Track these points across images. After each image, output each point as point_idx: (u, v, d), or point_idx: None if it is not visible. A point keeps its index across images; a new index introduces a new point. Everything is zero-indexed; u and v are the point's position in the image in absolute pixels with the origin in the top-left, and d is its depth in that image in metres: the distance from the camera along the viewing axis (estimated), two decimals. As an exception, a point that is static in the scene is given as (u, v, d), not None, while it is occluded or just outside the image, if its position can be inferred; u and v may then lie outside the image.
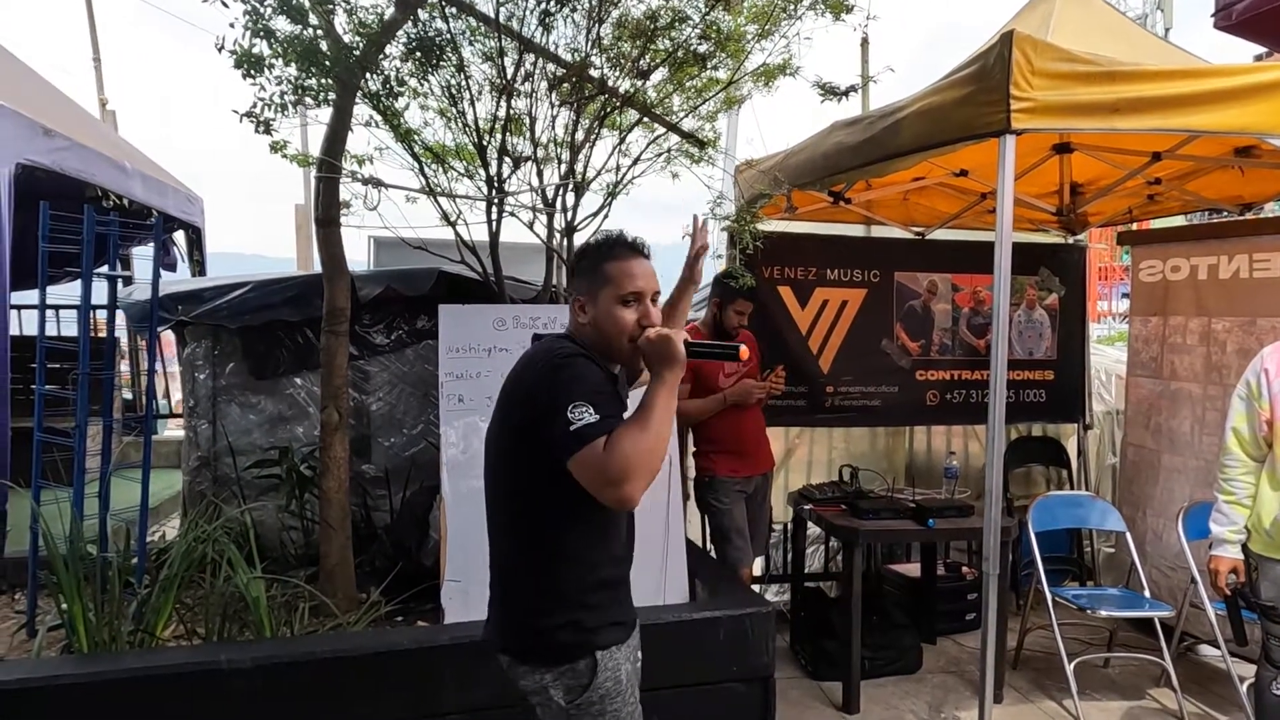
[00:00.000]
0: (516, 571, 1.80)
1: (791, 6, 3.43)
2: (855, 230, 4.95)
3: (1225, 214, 4.82)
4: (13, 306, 4.15)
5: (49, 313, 3.80)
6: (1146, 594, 3.88)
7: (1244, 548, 2.78)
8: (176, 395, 7.10)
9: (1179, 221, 5.93)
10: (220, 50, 2.94)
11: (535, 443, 1.61)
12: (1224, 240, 4.16)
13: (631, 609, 1.86)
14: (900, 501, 3.83)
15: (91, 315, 3.58)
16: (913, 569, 4.62)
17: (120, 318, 4.36)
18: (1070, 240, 5.11)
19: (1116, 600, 3.83)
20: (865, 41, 6.04)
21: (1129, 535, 4.02)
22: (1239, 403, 2.78)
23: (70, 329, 6.06)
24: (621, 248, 1.73)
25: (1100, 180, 4.51)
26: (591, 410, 1.54)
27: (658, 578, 3.33)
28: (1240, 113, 2.78)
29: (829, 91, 3.39)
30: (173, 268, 6.75)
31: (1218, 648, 3.56)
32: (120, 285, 4.07)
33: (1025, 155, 4.02)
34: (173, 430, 7.17)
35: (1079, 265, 5.13)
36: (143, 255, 6.54)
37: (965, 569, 4.68)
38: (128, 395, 6.79)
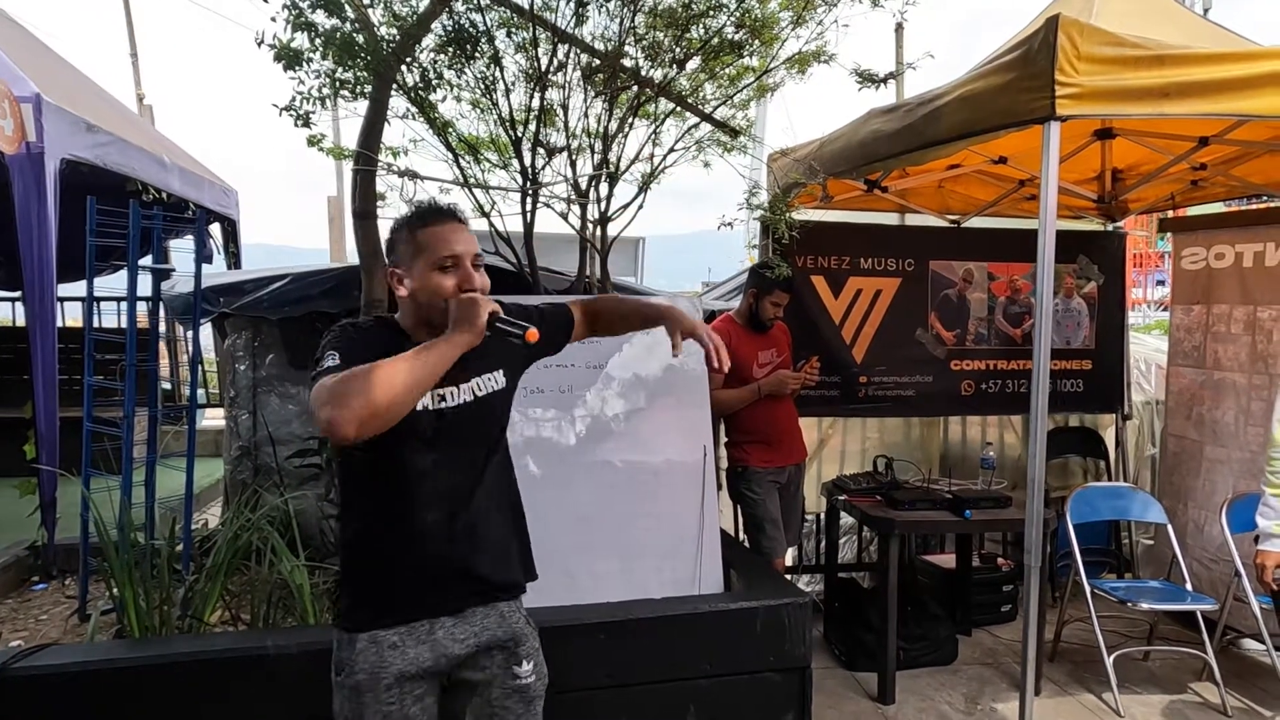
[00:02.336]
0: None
1: (828, -8, 3.39)
2: (889, 219, 4.89)
3: (1268, 199, 4.71)
4: (59, 299, 4.24)
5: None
6: (1189, 587, 3.82)
7: None
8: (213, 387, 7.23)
9: (1218, 208, 5.79)
10: (260, 45, 2.98)
11: None
12: (1271, 227, 4.07)
13: (443, 605, 1.70)
14: (936, 492, 3.81)
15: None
16: (947, 560, 4.59)
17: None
18: (1109, 228, 5.01)
19: (1157, 593, 3.78)
20: (900, 27, 5.95)
21: (1170, 527, 3.96)
22: None
23: (109, 321, 6.18)
24: (433, 214, 1.68)
25: (1142, 166, 4.42)
26: (337, 356, 1.52)
27: (692, 568, 3.34)
28: (1293, 96, 2.70)
29: (867, 78, 3.35)
30: (209, 260, 6.84)
31: (1262, 642, 3.50)
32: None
33: (1066, 141, 3.94)
34: (210, 420, 7.30)
35: (1118, 253, 5.03)
36: (179, 248, 6.65)
37: (1000, 560, 4.64)
38: (166, 386, 6.92)
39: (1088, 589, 3.64)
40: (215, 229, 6.82)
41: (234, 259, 6.84)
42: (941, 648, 3.91)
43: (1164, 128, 3.77)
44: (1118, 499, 4.08)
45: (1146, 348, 5.63)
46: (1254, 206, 5.14)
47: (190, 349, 4.32)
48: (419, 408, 1.59)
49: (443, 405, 1.67)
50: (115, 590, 2.91)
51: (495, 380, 1.78)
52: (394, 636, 1.65)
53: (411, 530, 1.65)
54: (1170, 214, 4.84)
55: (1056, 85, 2.56)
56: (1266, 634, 3.46)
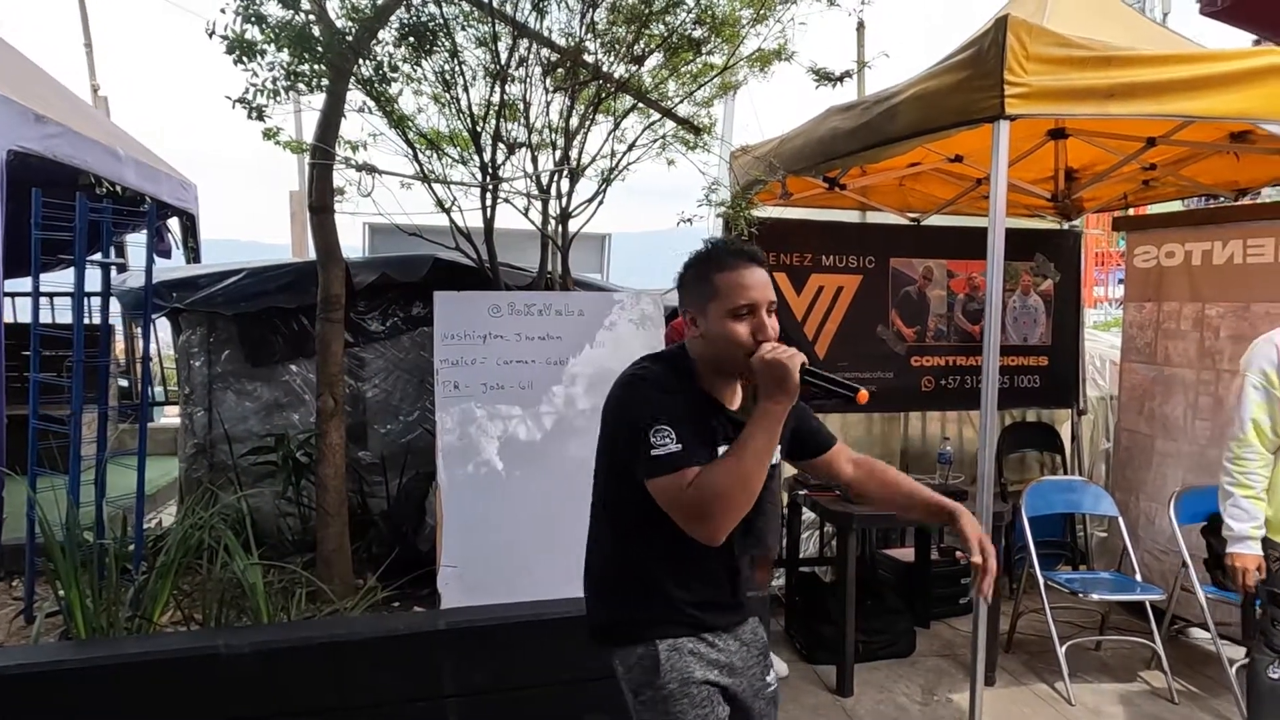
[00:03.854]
0: (594, 552, 1.80)
1: (787, -10, 3.41)
2: (850, 216, 4.94)
3: (1221, 199, 4.83)
4: (6, 294, 4.13)
5: (42, 300, 3.79)
6: (1138, 578, 3.91)
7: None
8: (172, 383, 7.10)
9: (1177, 207, 5.92)
10: (211, 36, 2.92)
11: (614, 458, 1.64)
12: (1218, 226, 4.16)
13: (722, 618, 1.73)
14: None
15: (86, 303, 3.58)
16: (907, 554, 4.64)
17: (115, 305, 4.35)
18: (1065, 226, 5.11)
19: (1108, 584, 3.86)
20: (861, 26, 6.01)
21: (1122, 520, 4.04)
22: (1255, 393, 2.66)
23: (63, 316, 6.05)
24: (730, 256, 1.61)
25: (1095, 165, 4.50)
26: (673, 437, 1.51)
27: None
28: (1235, 98, 2.77)
29: (823, 77, 3.38)
30: (167, 254, 6.71)
31: (1208, 630, 3.59)
32: (115, 272, 4.06)
33: (1020, 140, 4.01)
34: (169, 418, 7.17)
35: (1074, 251, 5.13)
36: (137, 242, 6.53)
37: (959, 553, 4.71)
38: (123, 383, 6.78)
39: (1041, 581, 3.71)
40: (174, 223, 6.70)
41: (193, 254, 6.71)
42: (900, 640, 3.96)
43: (1114, 128, 3.85)
44: (1071, 492, 4.16)
45: (1101, 344, 5.75)
46: (1205, 207, 5.27)
47: (145, 345, 4.23)
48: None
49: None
50: (61, 591, 2.86)
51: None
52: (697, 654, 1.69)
53: (692, 575, 1.68)
54: (1129, 212, 4.94)
55: (1006, 85, 2.60)
56: (1212, 624, 3.55)
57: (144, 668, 2.44)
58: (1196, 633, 4.10)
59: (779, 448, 1.66)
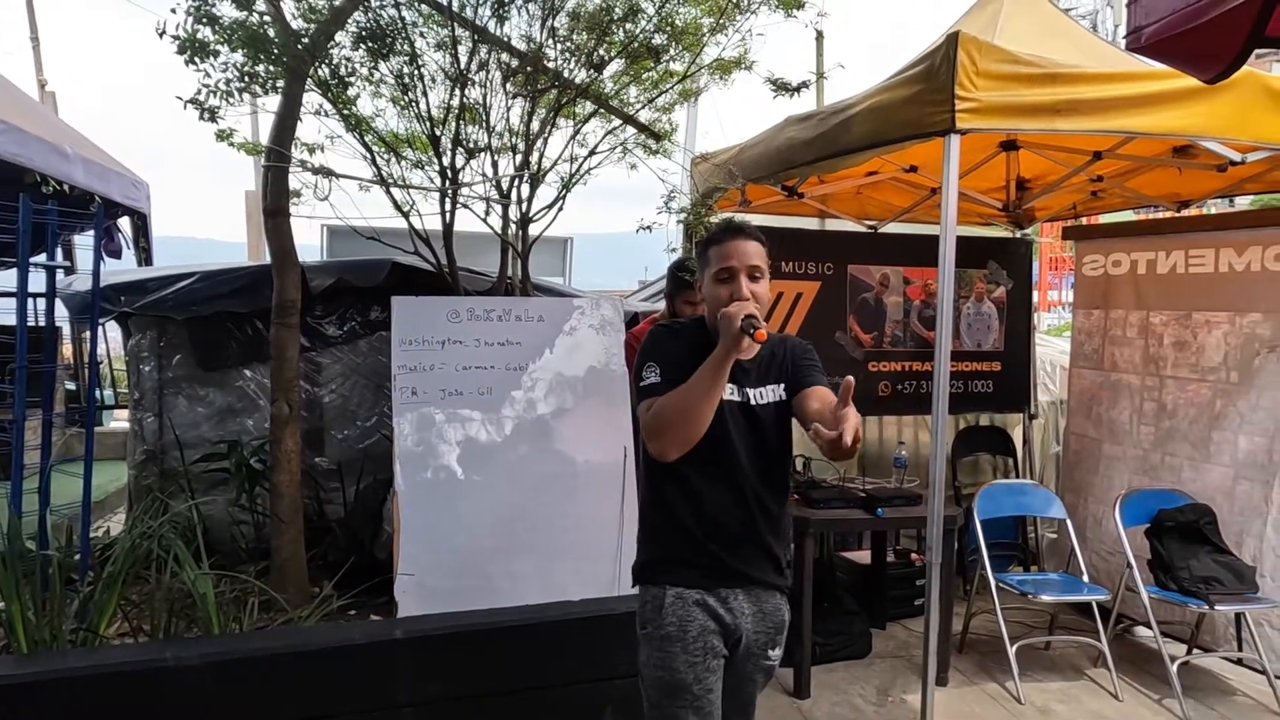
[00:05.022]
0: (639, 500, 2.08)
1: (745, 0, 3.44)
2: (809, 223, 5.00)
3: (1160, 210, 4.98)
4: (-53, 296, 4.00)
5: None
6: (1085, 578, 4.01)
7: None
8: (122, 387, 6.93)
9: (1128, 216, 6.09)
10: (161, 35, 2.87)
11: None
12: (1162, 236, 4.30)
13: (725, 568, 1.88)
14: (851, 491, 3.91)
15: (31, 304, 3.48)
16: (863, 556, 4.71)
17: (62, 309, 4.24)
18: (1017, 234, 5.23)
19: (1057, 585, 3.96)
20: (820, 36, 6.09)
21: (1070, 522, 4.15)
22: None
23: (6, 319, 5.87)
24: (721, 231, 1.91)
25: (1046, 177, 4.62)
26: (657, 373, 1.81)
27: (612, 568, 3.36)
28: (1175, 115, 2.87)
29: (780, 87, 3.42)
30: (117, 255, 6.54)
31: (1151, 629, 3.70)
32: (63, 274, 3.96)
33: (973, 151, 4.10)
34: (119, 422, 7.00)
35: (1025, 259, 5.25)
36: (85, 244, 6.36)
37: (915, 556, 4.79)
38: (71, 386, 6.60)
39: (993, 583, 3.79)
40: (124, 223, 6.53)
41: (145, 254, 6.55)
42: (856, 642, 4.01)
43: (1062, 141, 3.95)
44: (1022, 495, 4.26)
45: (1052, 349, 5.89)
46: (1152, 216, 5.44)
47: (92, 348, 4.12)
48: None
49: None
50: (2, 604, 2.77)
51: (775, 392, 1.93)
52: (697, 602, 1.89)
53: (687, 516, 1.90)
54: (1082, 221, 5.08)
55: (956, 100, 2.66)
56: (1155, 622, 3.66)
57: (89, 682, 2.38)
58: (1141, 631, 4.22)
59: (780, 386, 1.92)
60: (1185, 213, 4.69)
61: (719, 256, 1.86)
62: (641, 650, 1.91)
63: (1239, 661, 3.86)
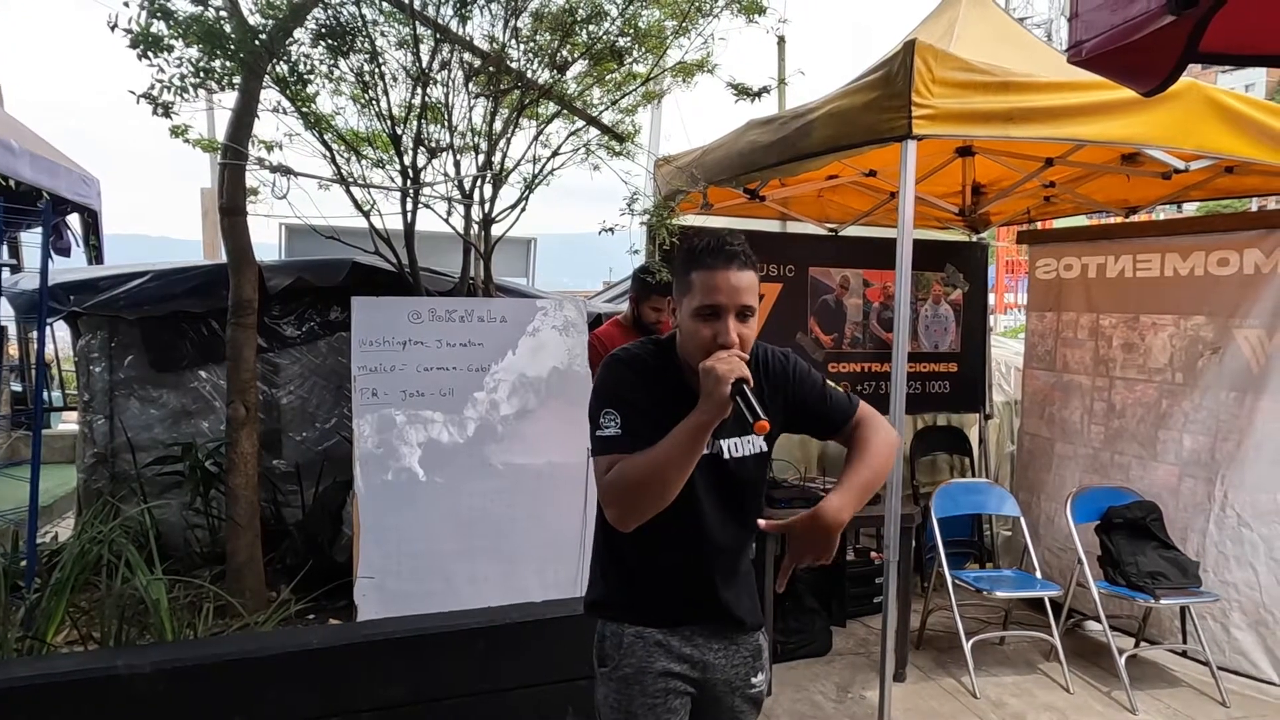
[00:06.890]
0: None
1: (707, 5, 3.47)
2: (771, 225, 5.05)
3: (1110, 214, 5.12)
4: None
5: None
6: (1039, 575, 4.11)
7: None
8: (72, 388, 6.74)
9: (1080, 221, 6.25)
10: (114, 29, 2.81)
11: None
12: (1111, 241, 4.43)
13: (687, 614, 1.73)
14: (811, 490, 3.95)
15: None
16: (824, 555, 4.76)
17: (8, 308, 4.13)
18: (974, 238, 5.34)
19: (1011, 581, 4.05)
20: (782, 40, 6.16)
21: (1024, 520, 4.25)
22: None
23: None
24: (710, 255, 1.55)
25: (1000, 182, 4.73)
26: (618, 424, 1.56)
27: (574, 570, 3.36)
28: (1122, 124, 2.96)
29: (742, 92, 3.45)
30: (66, 252, 6.36)
31: (1101, 623, 3.81)
32: (8, 273, 3.85)
33: (930, 156, 4.18)
34: (68, 424, 6.81)
35: (981, 262, 5.36)
36: (32, 242, 6.18)
37: (874, 554, 4.86)
38: (17, 388, 6.41)
39: (950, 580, 3.87)
40: (74, 220, 6.36)
41: (95, 252, 6.38)
42: (817, 640, 4.07)
43: (1015, 148, 4.05)
44: (977, 494, 4.35)
45: (1007, 351, 6.02)
46: (1102, 222, 5.59)
47: (40, 349, 4.00)
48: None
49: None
50: (-56, 612, 2.69)
51: (755, 444, 1.71)
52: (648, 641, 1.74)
53: (652, 551, 1.71)
54: (1037, 225, 5.20)
55: (913, 106, 2.71)
56: (1104, 617, 3.77)
57: (35, 691, 2.31)
58: (1091, 625, 4.33)
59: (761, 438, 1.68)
60: (1134, 218, 4.83)
61: (704, 288, 1.54)
62: (599, 689, 1.77)
63: (1184, 654, 3.99)
